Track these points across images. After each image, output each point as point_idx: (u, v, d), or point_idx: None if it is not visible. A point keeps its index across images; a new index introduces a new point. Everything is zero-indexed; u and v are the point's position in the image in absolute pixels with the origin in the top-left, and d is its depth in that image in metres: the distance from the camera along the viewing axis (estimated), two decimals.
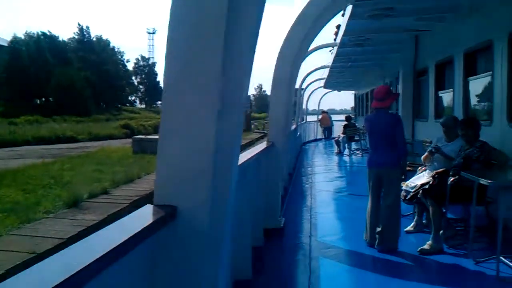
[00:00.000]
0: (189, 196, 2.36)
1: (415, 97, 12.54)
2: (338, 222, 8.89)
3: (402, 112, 12.66)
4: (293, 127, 18.22)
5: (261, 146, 7.18)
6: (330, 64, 17.78)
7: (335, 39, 13.57)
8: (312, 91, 29.63)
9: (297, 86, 20.25)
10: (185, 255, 2.36)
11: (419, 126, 12.21)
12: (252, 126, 70.21)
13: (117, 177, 20.08)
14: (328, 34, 14.30)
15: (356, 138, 20.83)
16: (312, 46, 14.02)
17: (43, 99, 78.19)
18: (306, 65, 20.45)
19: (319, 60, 21.47)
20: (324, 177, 13.59)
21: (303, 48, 7.51)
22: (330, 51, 17.15)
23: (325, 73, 22.64)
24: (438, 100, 10.66)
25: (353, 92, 32.96)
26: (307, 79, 21.78)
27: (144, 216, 2.22)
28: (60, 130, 51.10)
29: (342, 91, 33.89)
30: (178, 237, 2.35)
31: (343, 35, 11.26)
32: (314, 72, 21.63)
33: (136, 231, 1.87)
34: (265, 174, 7.17)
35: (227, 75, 2.35)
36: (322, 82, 26.55)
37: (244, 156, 4.91)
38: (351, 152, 20.08)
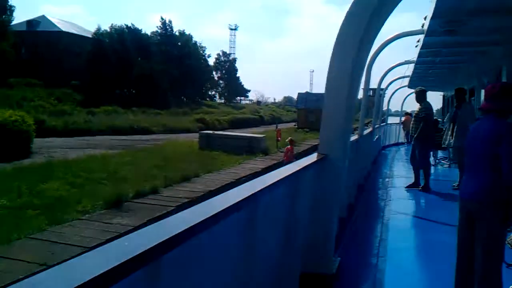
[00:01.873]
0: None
1: None
2: (417, 271, 6.56)
3: None
4: (369, 130, 15.94)
5: (308, 159, 5.11)
6: (415, 58, 15.22)
7: (423, 25, 11.19)
8: (395, 91, 26.87)
9: (374, 85, 17.90)
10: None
11: None
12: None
13: (173, 175, 18.57)
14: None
15: (443, 144, 18.13)
16: (388, 36, 11.87)
17: (125, 90, 79.09)
18: (386, 63, 18.11)
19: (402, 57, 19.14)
20: (403, 193, 11.21)
21: (369, 36, 5.34)
22: (416, 45, 14.68)
23: (409, 70, 19.98)
24: None
25: (441, 93, 29.71)
26: (387, 77, 19.15)
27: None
28: (135, 121, 51.01)
29: (428, 92, 30.42)
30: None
31: (431, 18, 8.91)
32: (397, 69, 19.04)
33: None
34: (313, 197, 5.15)
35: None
36: (406, 81, 23.76)
37: (277, 175, 3.71)
38: (437, 161, 17.37)
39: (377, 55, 11.29)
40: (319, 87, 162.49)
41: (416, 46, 14.24)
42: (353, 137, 10.54)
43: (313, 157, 5.20)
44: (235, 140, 30.10)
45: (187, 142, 33.04)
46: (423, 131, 10.79)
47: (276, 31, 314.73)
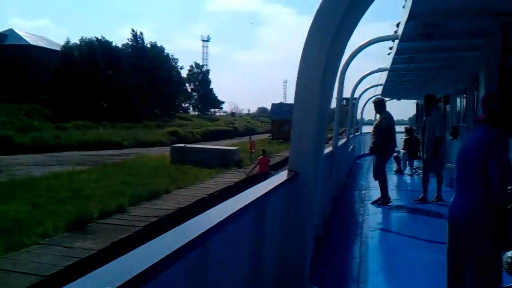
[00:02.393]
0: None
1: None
2: None
3: None
4: (343, 141, 15.41)
5: (276, 178, 4.49)
6: (388, 66, 14.78)
7: (396, 32, 10.72)
8: (369, 99, 26.48)
9: (347, 94, 17.38)
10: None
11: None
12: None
13: (141, 192, 17.75)
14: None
15: (419, 154, 17.71)
16: (363, 42, 11.36)
17: (95, 104, 77.70)
18: (360, 71, 17.63)
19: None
20: (380, 207, 10.67)
21: (340, 39, 4.77)
22: (388, 53, 14.26)
23: (382, 78, 19.59)
24: None
25: (415, 101, 29.45)
26: (360, 85, 18.67)
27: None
28: (105, 135, 49.84)
29: (402, 100, 30.08)
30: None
31: (406, 21, 8.42)
32: (370, 77, 18.59)
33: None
34: (283, 222, 4.53)
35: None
36: (379, 90, 23.40)
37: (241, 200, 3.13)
38: (413, 171, 16.89)
39: (350, 62, 10.74)
40: (293, 98, 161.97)
41: (388, 54, 13.81)
42: (328, 149, 9.99)
43: (282, 176, 4.59)
44: (208, 153, 29.35)
45: (159, 156, 32.19)
46: (382, 141, 10.38)
47: (249, 42, 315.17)
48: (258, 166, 22.16)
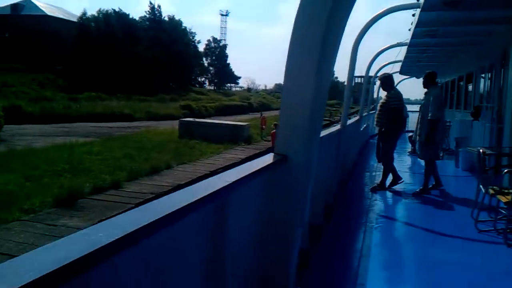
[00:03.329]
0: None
1: None
2: None
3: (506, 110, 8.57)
4: (355, 119, 14.36)
5: (258, 162, 3.62)
6: (408, 40, 13.62)
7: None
8: None
9: (361, 72, 16.27)
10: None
11: None
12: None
13: (141, 167, 16.92)
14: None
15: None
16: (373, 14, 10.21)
17: (110, 76, 77.05)
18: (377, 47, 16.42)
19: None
20: (390, 192, 9.68)
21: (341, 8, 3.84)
22: (409, 28, 13.12)
23: (401, 54, 18.39)
24: None
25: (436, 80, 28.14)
26: (376, 62, 17.51)
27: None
28: (117, 107, 49.07)
29: (421, 78, 28.57)
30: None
31: None
32: (387, 53, 17.42)
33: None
34: (261, 216, 3.71)
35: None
36: (397, 67, 22.15)
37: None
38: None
39: (364, 34, 9.66)
40: None
41: (409, 30, 12.69)
42: (335, 128, 9.05)
43: (265, 160, 3.67)
44: (217, 128, 28.37)
45: (167, 130, 31.33)
46: (392, 123, 9.18)
47: (269, 18, 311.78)
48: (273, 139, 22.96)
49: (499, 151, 8.25)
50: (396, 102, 9.13)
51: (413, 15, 11.16)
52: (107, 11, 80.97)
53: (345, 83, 10.98)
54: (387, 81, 9.43)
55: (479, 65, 13.52)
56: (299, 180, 3.78)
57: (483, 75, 13.31)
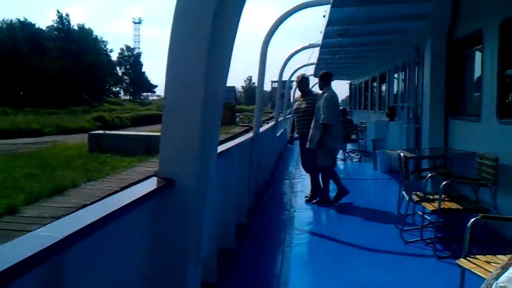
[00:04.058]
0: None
1: (450, 83, 7.97)
2: None
3: (430, 107, 8.15)
4: (270, 125, 13.78)
5: (138, 188, 2.99)
6: (320, 41, 13.20)
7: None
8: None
9: (274, 76, 15.71)
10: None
11: (459, 130, 7.61)
12: (237, 119, 65.77)
13: (44, 187, 15.49)
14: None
15: (353, 137, 16.42)
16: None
17: (16, 89, 73.15)
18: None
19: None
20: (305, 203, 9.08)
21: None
22: (320, 31, 12.71)
23: (314, 56, 18.06)
24: (504, 84, 6.16)
25: (348, 81, 28.15)
26: (290, 65, 17.04)
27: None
28: (23, 122, 46.20)
29: (335, 81, 28.16)
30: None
31: None
32: (301, 56, 17.03)
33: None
34: (142, 256, 3.00)
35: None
36: (311, 69, 21.90)
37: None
38: (346, 155, 15.48)
39: (272, 34, 8.92)
40: (229, 81, 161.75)
41: (320, 32, 12.26)
42: (246, 137, 8.34)
43: (148, 185, 2.95)
44: (130, 140, 27.02)
45: (76, 145, 29.59)
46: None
47: None
48: None
49: (420, 154, 7.81)
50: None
51: (324, 16, 10.71)
52: (11, 20, 77.03)
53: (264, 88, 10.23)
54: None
55: (392, 65, 13.30)
56: (190, 208, 3.06)
57: (396, 74, 13.11)
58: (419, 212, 6.47)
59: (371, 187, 11.11)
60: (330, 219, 7.95)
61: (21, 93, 71.24)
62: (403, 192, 6.47)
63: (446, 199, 5.75)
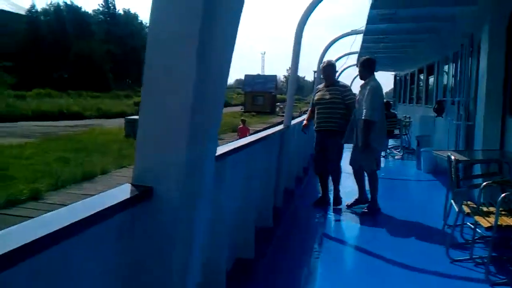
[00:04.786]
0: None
1: (511, 77, 6.94)
2: None
3: (485, 103, 7.12)
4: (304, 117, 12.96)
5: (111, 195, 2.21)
6: (363, 28, 12.24)
7: None
8: (342, 71, 23.95)
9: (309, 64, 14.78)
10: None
11: None
12: (277, 109, 65.01)
13: (74, 173, 15.13)
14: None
15: (396, 132, 15.41)
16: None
17: (61, 72, 74.22)
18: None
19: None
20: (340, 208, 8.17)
21: None
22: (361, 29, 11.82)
23: (356, 44, 17.06)
24: None
25: (393, 73, 26.89)
26: (329, 54, 16.00)
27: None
28: (65, 105, 46.66)
29: (379, 72, 26.53)
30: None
31: None
32: (342, 44, 16.04)
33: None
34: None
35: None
36: (353, 59, 20.82)
37: None
38: (388, 151, 14.50)
39: (307, 19, 7.94)
40: (271, 70, 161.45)
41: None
42: (275, 129, 7.58)
43: (119, 193, 2.23)
44: None
45: (115, 129, 29.46)
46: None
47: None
48: (238, 135, 24.27)
49: (472, 157, 6.80)
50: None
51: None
52: (58, 3, 78.17)
53: (306, 78, 9.18)
54: (330, 68, 7.72)
55: (441, 55, 12.22)
56: (174, 225, 2.36)
57: (446, 66, 12.02)
58: (468, 224, 5.59)
59: (414, 189, 10.14)
60: (367, 227, 6.93)
61: (66, 75, 72.14)
62: (452, 201, 5.56)
63: (503, 212, 4.83)
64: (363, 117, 6.86)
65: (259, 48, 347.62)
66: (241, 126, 26.37)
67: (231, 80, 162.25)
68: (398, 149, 14.97)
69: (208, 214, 2.92)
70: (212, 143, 2.67)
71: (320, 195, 7.88)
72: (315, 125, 7.59)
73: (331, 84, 7.54)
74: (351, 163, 7.43)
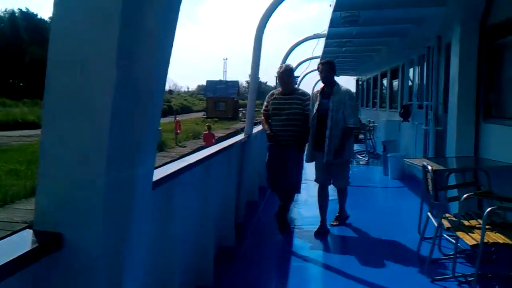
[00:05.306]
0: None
1: (484, 79, 6.62)
2: None
3: (457, 107, 6.75)
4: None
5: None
6: (326, 31, 11.87)
7: None
8: (304, 75, 23.67)
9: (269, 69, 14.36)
10: None
11: (495, 136, 6.21)
12: (240, 114, 64.76)
13: (25, 186, 14.30)
14: None
15: (360, 137, 15.15)
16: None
17: (16, 80, 72.17)
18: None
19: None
20: (307, 210, 7.66)
21: None
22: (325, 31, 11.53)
23: (319, 49, 16.73)
24: None
25: (355, 77, 26.67)
26: (291, 58, 15.70)
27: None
28: (19, 114, 45.13)
29: (341, 76, 26.15)
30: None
31: None
32: (304, 49, 15.71)
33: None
34: None
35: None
36: (315, 64, 20.50)
37: None
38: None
39: (267, 20, 7.48)
40: (233, 75, 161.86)
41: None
42: (236, 139, 7.08)
43: (17, 244, 1.70)
44: None
45: None
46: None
47: (188, 18, 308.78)
48: (204, 141, 24.56)
49: (447, 165, 6.38)
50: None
51: (330, 5, 9.39)
52: (12, 10, 76.24)
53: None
54: (290, 74, 6.72)
55: (406, 58, 11.96)
56: (97, 282, 1.82)
57: (411, 69, 11.76)
58: (446, 237, 5.21)
59: (383, 197, 9.77)
60: (336, 242, 6.47)
61: (21, 84, 70.15)
62: (429, 214, 5.16)
63: (487, 227, 4.43)
64: (349, 125, 6.23)
65: (221, 54, 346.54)
66: (206, 132, 26.28)
67: (193, 85, 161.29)
68: (363, 154, 14.68)
69: (142, 253, 2.34)
70: (145, 166, 2.08)
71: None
72: (276, 135, 6.54)
73: (289, 92, 6.59)
74: (319, 180, 6.59)
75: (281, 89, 6.70)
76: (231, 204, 6.19)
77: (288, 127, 6.46)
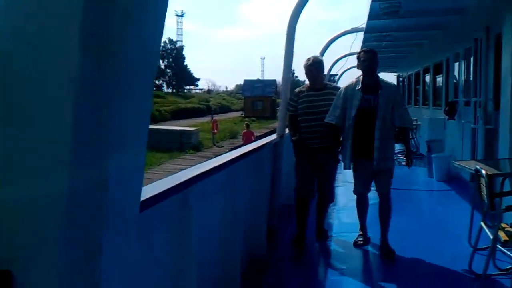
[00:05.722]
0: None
1: None
2: None
3: (510, 105, 6.10)
4: None
5: None
6: (364, 24, 11.28)
7: None
8: (342, 72, 23.06)
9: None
10: None
11: None
12: (278, 113, 64.24)
13: None
14: None
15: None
16: None
17: None
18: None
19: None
20: (346, 215, 7.10)
21: None
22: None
23: (357, 44, 16.11)
24: None
25: (395, 74, 25.77)
26: (328, 54, 15.01)
27: None
28: None
29: (380, 73, 25.00)
30: None
31: None
32: (340, 44, 15.12)
33: None
34: None
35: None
36: (354, 60, 19.79)
37: None
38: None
39: (299, 13, 7.05)
40: (271, 74, 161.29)
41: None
42: (266, 140, 6.64)
43: None
44: (162, 134, 25.73)
45: None
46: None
47: (227, 19, 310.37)
48: (243, 139, 25.10)
49: (503, 169, 5.72)
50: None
51: None
52: None
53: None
54: (319, 66, 5.89)
55: (451, 52, 11.24)
56: None
57: (456, 63, 11.04)
58: (500, 248, 4.60)
59: (427, 201, 9.11)
60: (377, 253, 5.88)
61: None
62: (482, 224, 4.58)
63: None
64: (405, 125, 5.60)
65: (259, 53, 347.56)
66: (245, 130, 27.03)
67: (231, 85, 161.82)
68: (401, 153, 14.00)
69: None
70: (137, 179, 1.65)
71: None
72: (303, 140, 5.84)
73: (320, 88, 5.88)
74: (359, 190, 5.72)
75: (309, 84, 5.97)
76: (263, 209, 5.74)
77: (319, 128, 5.69)
